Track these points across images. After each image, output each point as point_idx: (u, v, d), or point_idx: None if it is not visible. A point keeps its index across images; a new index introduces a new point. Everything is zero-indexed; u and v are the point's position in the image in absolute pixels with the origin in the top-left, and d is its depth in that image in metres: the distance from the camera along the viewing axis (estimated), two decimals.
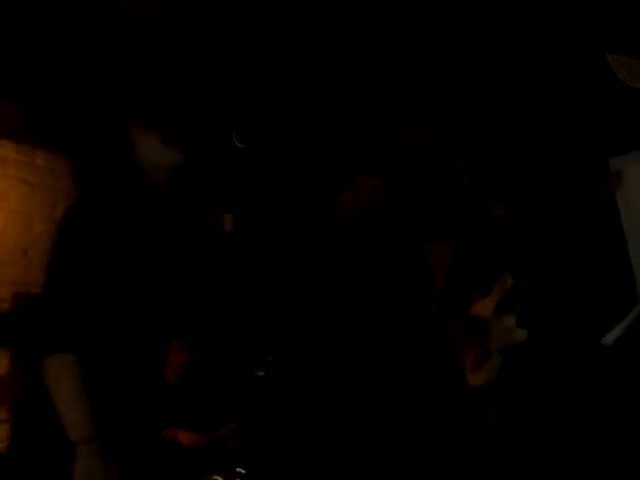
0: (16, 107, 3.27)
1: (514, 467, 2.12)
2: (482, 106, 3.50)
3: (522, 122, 3.47)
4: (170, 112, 1.56)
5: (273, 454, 2.42)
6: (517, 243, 2.32)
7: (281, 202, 4.04)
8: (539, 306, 2.23)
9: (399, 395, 2.38)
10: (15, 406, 1.44)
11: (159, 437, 2.98)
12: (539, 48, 3.09)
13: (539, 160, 3.40)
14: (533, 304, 2.22)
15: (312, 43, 3.03)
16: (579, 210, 2.18)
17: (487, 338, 2.31)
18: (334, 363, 2.15)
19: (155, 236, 1.56)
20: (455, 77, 3.37)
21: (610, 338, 1.61)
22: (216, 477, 2.52)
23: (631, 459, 2.09)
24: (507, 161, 2.47)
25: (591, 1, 2.76)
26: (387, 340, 2.32)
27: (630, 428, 2.17)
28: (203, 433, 3.16)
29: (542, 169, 3.33)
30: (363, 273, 2.28)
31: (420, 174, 3.88)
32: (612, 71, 2.72)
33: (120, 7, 2.61)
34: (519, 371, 2.19)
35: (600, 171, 3.20)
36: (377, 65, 3.24)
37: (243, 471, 2.57)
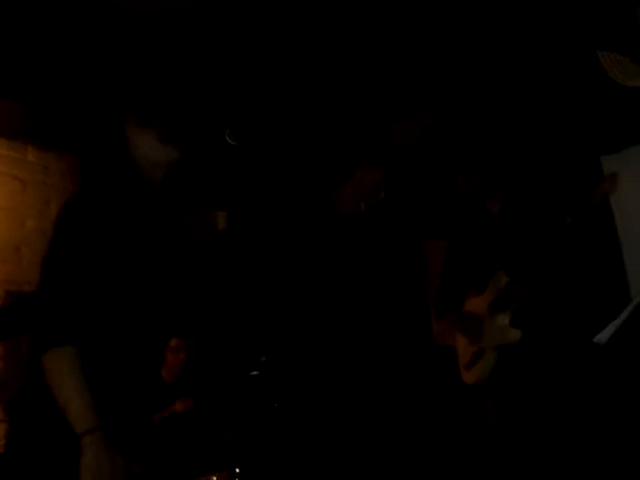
0: (8, 104, 3.23)
1: (509, 464, 2.13)
2: (476, 103, 3.51)
3: (514, 120, 3.48)
4: (167, 109, 1.56)
5: (268, 453, 2.42)
6: (512, 242, 2.33)
7: (276, 199, 4.03)
8: (533, 305, 2.24)
9: (394, 393, 2.39)
10: (11, 405, 1.43)
11: (156, 428, 2.99)
12: (531, 47, 3.09)
13: (532, 158, 3.42)
14: (527, 303, 2.23)
15: (310, 37, 3.02)
16: (574, 211, 2.19)
17: (481, 336, 2.33)
18: (328, 361, 2.14)
19: (152, 233, 1.56)
20: (450, 73, 3.37)
21: (603, 336, 1.62)
22: (213, 477, 2.52)
23: (625, 457, 2.11)
24: (501, 160, 2.49)
25: None
26: (382, 338, 2.32)
27: (624, 426, 2.19)
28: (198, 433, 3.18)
29: (535, 167, 3.35)
30: (358, 270, 2.28)
31: (416, 171, 3.88)
32: (603, 69, 2.72)
33: (117, 4, 2.59)
34: (513, 369, 2.21)
35: (592, 169, 3.22)
36: (377, 57, 3.23)
37: (239, 471, 2.57)
